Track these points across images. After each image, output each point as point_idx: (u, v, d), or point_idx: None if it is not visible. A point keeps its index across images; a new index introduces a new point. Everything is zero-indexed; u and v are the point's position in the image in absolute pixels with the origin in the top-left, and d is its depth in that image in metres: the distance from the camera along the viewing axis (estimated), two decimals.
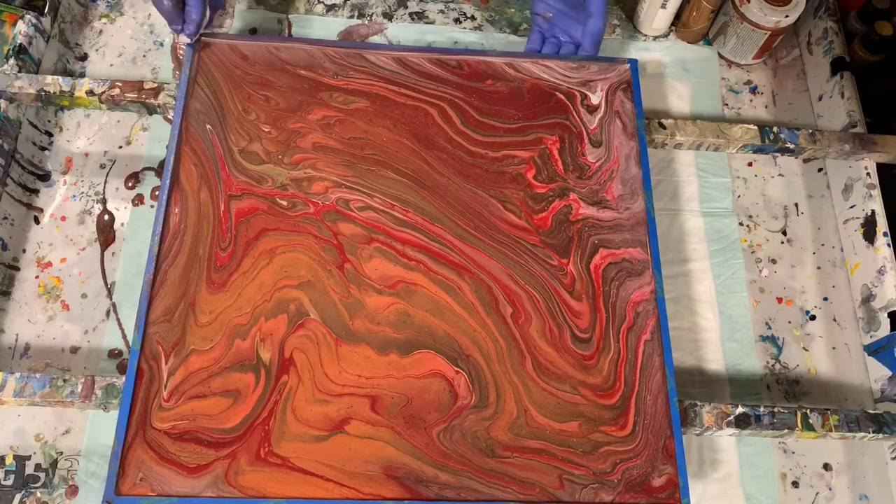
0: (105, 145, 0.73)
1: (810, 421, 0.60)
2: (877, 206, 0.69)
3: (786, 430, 0.60)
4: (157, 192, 0.71)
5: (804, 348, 0.71)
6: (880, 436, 0.60)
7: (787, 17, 0.75)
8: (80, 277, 0.68)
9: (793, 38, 0.83)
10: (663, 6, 0.79)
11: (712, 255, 0.73)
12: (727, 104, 0.81)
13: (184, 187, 0.63)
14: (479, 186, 0.66)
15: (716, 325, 0.70)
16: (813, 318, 0.72)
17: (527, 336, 0.60)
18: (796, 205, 0.77)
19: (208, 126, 0.65)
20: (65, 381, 0.57)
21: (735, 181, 0.77)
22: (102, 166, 0.72)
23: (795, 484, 0.66)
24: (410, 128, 0.68)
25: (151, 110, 0.69)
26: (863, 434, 0.60)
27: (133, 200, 0.71)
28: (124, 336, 0.65)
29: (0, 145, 0.66)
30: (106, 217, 0.70)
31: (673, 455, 0.57)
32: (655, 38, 0.83)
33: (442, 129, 0.68)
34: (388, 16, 0.82)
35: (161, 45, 0.78)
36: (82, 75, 0.76)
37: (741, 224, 0.75)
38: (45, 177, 0.71)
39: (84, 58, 0.77)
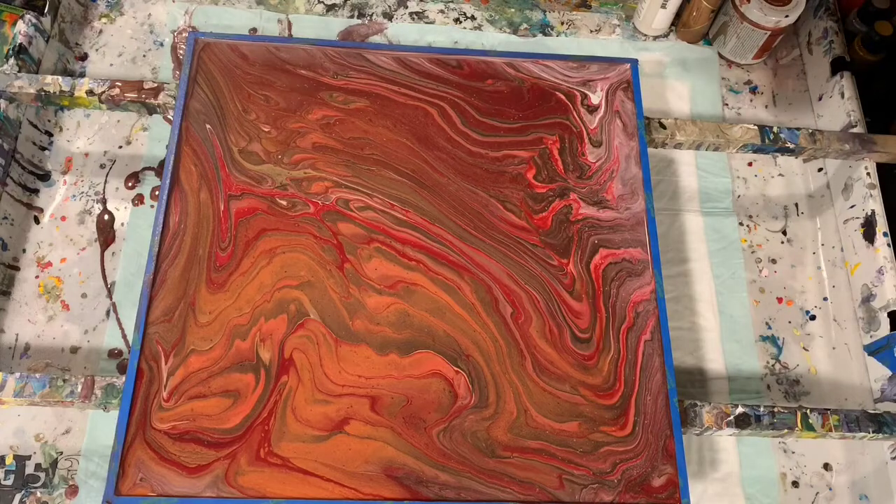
0: (105, 145, 0.73)
1: (810, 421, 0.60)
2: (877, 205, 0.69)
3: (786, 430, 0.60)
4: (157, 192, 0.71)
5: (804, 348, 0.71)
6: (880, 436, 0.60)
7: (787, 17, 0.75)
8: (80, 277, 0.68)
9: (793, 38, 0.83)
10: (663, 6, 0.79)
11: (712, 255, 0.73)
12: (727, 104, 0.81)
13: (184, 187, 0.63)
14: (479, 186, 0.66)
15: (716, 325, 0.70)
16: (813, 318, 0.72)
17: (527, 336, 0.60)
18: (796, 205, 0.77)
19: (208, 126, 0.65)
20: (65, 381, 0.57)
21: (735, 181, 0.77)
22: (102, 166, 0.72)
23: (795, 484, 0.66)
24: (410, 128, 0.68)
25: (151, 110, 0.69)
26: (863, 434, 0.60)
27: (133, 200, 0.71)
28: (124, 336, 0.65)
29: (0, 145, 0.66)
30: (106, 217, 0.70)
31: (673, 455, 0.57)
32: (655, 38, 0.83)
33: (442, 129, 0.68)
34: (388, 16, 0.82)
35: (161, 45, 0.78)
36: (82, 75, 0.76)
37: (741, 224, 0.75)
38: (45, 177, 0.71)
39: (84, 57, 0.77)
